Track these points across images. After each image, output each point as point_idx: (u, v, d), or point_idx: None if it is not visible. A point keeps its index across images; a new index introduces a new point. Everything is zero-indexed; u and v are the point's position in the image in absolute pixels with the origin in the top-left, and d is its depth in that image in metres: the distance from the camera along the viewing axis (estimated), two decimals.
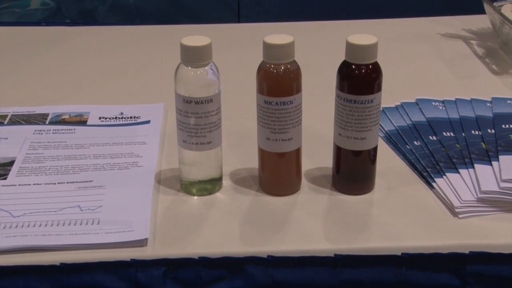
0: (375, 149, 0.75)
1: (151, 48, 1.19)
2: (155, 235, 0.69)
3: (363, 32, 0.72)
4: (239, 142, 0.87)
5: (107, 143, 0.85)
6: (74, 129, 0.89)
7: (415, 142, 0.84)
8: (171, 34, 1.24)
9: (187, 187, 0.76)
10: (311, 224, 0.71)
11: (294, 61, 0.71)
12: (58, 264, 0.66)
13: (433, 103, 0.93)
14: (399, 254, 0.67)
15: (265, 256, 0.67)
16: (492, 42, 1.16)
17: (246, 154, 0.83)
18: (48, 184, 0.77)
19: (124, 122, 0.90)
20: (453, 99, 0.94)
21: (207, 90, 0.72)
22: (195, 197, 0.76)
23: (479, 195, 0.73)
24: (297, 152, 0.75)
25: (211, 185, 0.76)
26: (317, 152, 0.83)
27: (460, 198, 0.73)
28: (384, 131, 0.88)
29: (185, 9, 2.01)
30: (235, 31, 1.27)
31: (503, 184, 0.73)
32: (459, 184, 0.75)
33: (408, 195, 0.76)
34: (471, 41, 1.18)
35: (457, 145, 0.83)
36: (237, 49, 1.17)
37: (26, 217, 0.71)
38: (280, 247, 0.68)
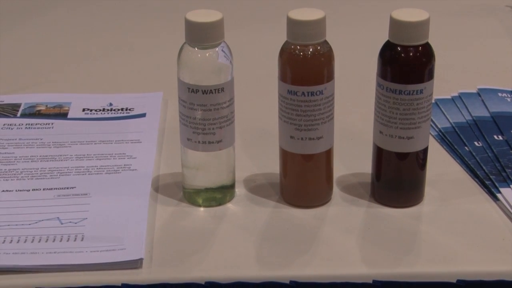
0: (425, 151, 0.76)
1: (148, 23, 1.21)
2: (152, 254, 0.71)
3: (411, 5, 0.74)
4: (256, 141, 0.88)
5: (92, 141, 0.87)
6: (52, 124, 0.91)
7: (475, 143, 0.86)
8: (173, 6, 1.26)
9: (192, 196, 0.78)
10: (345, 243, 0.73)
11: (325, 42, 0.73)
12: None
13: (500, 94, 0.95)
14: (454, 281, 0.69)
15: (287, 282, 0.68)
16: None
17: (265, 156, 0.84)
18: (21, 191, 0.79)
19: (113, 115, 0.93)
20: None
21: (217, 76, 0.74)
22: (201, 209, 0.78)
23: None
24: (328, 154, 0.76)
25: (221, 194, 0.78)
26: (352, 154, 0.85)
27: None
28: (436, 129, 0.89)
29: None
30: (252, 2, 1.29)
31: None
32: None
33: (465, 209, 0.77)
34: None
35: None
36: (255, 26, 1.19)
37: None
38: (305, 271, 0.70)
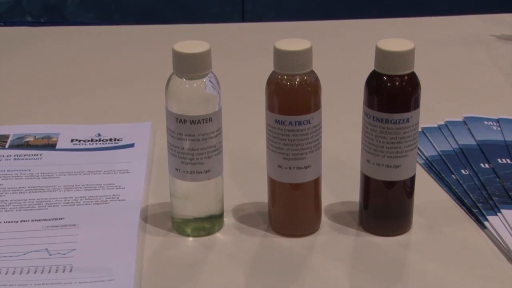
0: (412, 179, 0.77)
1: (136, 54, 1.22)
2: (141, 285, 0.71)
3: (396, 35, 0.75)
4: (244, 170, 0.89)
5: (81, 172, 0.87)
6: (41, 154, 0.91)
7: (462, 171, 0.86)
8: (160, 36, 1.27)
9: (180, 226, 0.78)
10: (333, 272, 0.73)
11: (312, 72, 0.74)
12: None
13: (485, 122, 0.95)
14: None
15: None
16: None
17: (253, 186, 0.85)
18: (9, 222, 0.79)
19: (102, 146, 0.93)
20: (511, 117, 0.96)
21: (205, 107, 0.74)
22: (190, 239, 0.78)
23: None
24: (316, 182, 0.77)
25: (209, 224, 0.78)
26: (340, 183, 0.85)
27: None
28: (423, 157, 0.90)
29: (177, 4, 2.03)
30: (238, 33, 1.30)
31: None
32: None
33: (453, 237, 0.77)
34: None
35: None
36: (242, 56, 1.20)
37: None
38: None
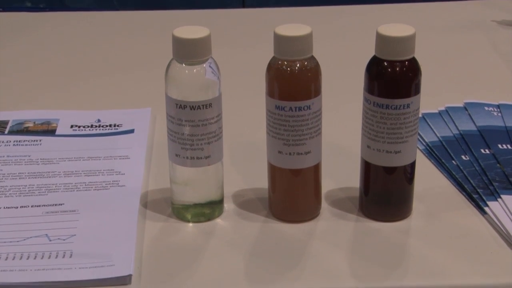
0: (412, 165, 0.77)
1: (135, 40, 1.22)
2: (141, 271, 0.71)
3: (397, 20, 0.75)
4: (245, 156, 0.89)
5: (81, 158, 0.87)
6: (40, 140, 0.91)
7: (463, 157, 0.87)
8: (160, 22, 1.27)
9: (180, 211, 0.79)
10: (333, 258, 0.73)
11: (312, 57, 0.74)
12: None
13: (486, 108, 0.95)
14: None
15: None
16: None
17: (253, 171, 0.85)
18: (9, 208, 0.79)
19: (102, 132, 0.93)
20: (511, 103, 0.96)
21: (205, 92, 0.74)
22: (190, 224, 0.78)
23: None
24: (316, 168, 0.77)
25: (209, 209, 0.79)
26: (340, 169, 0.85)
27: None
28: (424, 143, 0.90)
29: None
30: (239, 19, 1.30)
31: None
32: None
33: (453, 222, 0.78)
34: None
35: None
36: (242, 41, 1.20)
37: None
38: (295, 286, 0.70)
